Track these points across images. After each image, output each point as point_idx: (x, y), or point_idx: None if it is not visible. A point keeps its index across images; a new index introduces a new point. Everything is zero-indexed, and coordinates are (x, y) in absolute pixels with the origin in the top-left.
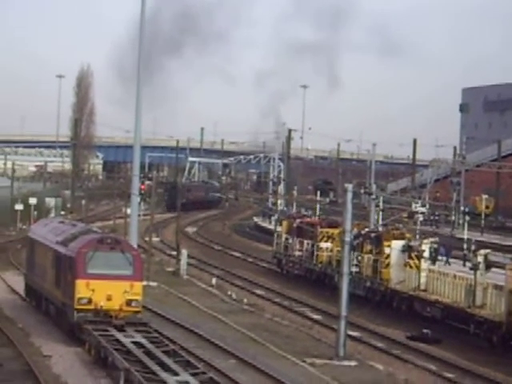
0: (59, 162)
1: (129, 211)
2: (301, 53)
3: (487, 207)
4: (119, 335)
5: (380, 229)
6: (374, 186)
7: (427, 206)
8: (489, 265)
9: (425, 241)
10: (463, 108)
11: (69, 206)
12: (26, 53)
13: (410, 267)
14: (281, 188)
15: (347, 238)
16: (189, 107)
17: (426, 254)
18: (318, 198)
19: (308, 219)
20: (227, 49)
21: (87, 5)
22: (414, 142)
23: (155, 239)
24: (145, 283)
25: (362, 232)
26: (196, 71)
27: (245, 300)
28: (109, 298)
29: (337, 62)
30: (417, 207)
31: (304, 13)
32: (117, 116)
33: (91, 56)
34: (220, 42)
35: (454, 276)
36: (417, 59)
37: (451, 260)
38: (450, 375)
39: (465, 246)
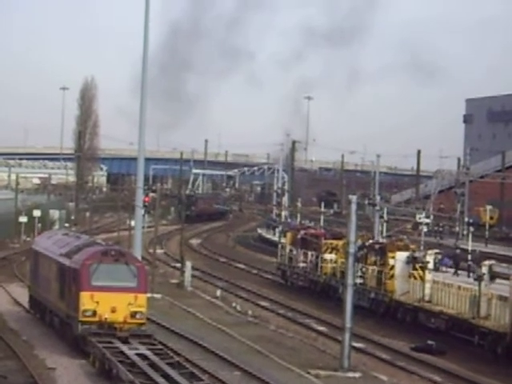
0: (63, 175)
1: (133, 223)
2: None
3: (491, 218)
4: (124, 347)
5: (384, 240)
6: (378, 198)
7: (431, 217)
8: (493, 276)
9: (429, 252)
10: (467, 119)
11: (73, 218)
12: (29, 66)
13: (415, 278)
14: (285, 199)
15: (351, 250)
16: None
17: (431, 266)
18: (322, 209)
19: (312, 231)
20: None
21: (91, 17)
22: (418, 153)
23: (159, 251)
24: (149, 295)
25: (367, 243)
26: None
27: (249, 312)
28: (113, 310)
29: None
30: (421, 218)
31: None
32: (121, 128)
33: (96, 68)
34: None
35: (459, 287)
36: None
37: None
38: None
39: (469, 257)
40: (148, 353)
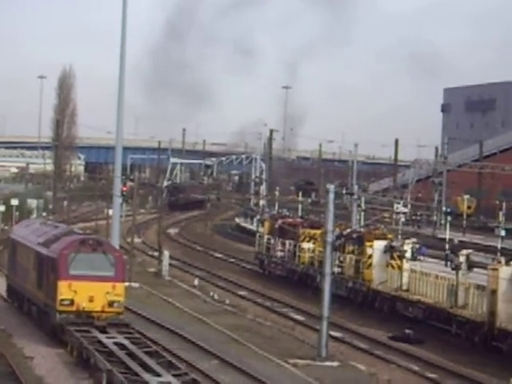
0: (41, 163)
1: (111, 212)
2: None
3: (469, 207)
4: (101, 336)
5: (362, 229)
6: (355, 187)
7: (409, 207)
8: (471, 265)
9: (407, 241)
10: (445, 108)
11: (51, 207)
12: (7, 52)
13: (392, 267)
14: (263, 188)
15: (329, 239)
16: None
17: (408, 255)
18: (300, 198)
19: (290, 220)
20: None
21: (71, 4)
22: (396, 142)
23: (137, 240)
24: (127, 284)
25: (344, 232)
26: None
27: (227, 301)
28: (91, 300)
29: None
30: (399, 207)
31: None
32: (99, 116)
33: (74, 56)
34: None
35: (436, 276)
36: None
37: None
38: (432, 375)
39: (447, 246)
40: (126, 342)
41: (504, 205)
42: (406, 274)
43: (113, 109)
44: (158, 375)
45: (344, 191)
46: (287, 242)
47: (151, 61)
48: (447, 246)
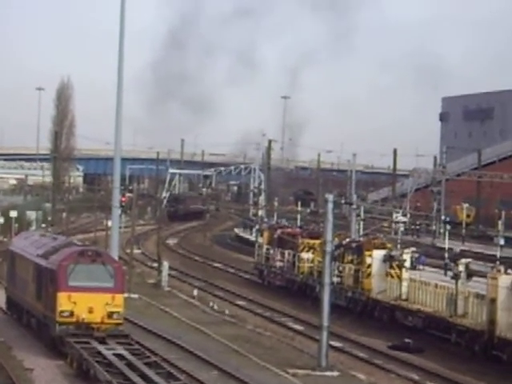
0: (39, 175)
1: (110, 223)
2: None
3: (468, 216)
4: (101, 347)
5: (361, 239)
6: (354, 196)
7: (408, 216)
8: (470, 274)
9: (406, 250)
10: (443, 117)
11: (49, 218)
12: (4, 66)
13: (392, 277)
14: (261, 199)
15: (328, 249)
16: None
17: (408, 264)
18: (299, 208)
19: (289, 230)
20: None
21: (68, 16)
22: (395, 151)
23: (136, 251)
24: (126, 295)
25: (343, 242)
26: None
27: (226, 311)
28: (90, 311)
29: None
30: (398, 217)
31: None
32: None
33: (72, 68)
34: None
35: (436, 285)
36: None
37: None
38: None
39: (446, 254)
40: (125, 353)
41: (503, 213)
42: (405, 284)
43: (111, 120)
44: None
45: (343, 201)
46: (286, 252)
47: (152, 72)
48: (446, 255)
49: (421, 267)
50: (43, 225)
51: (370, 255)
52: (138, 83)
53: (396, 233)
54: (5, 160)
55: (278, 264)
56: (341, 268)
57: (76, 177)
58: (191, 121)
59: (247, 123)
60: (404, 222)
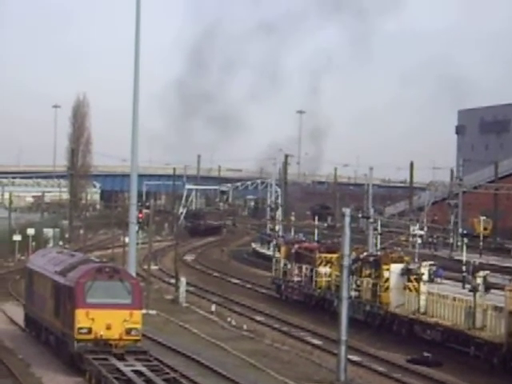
0: (57, 192)
1: (127, 240)
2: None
3: (485, 229)
4: (119, 364)
5: (378, 252)
6: (371, 210)
7: (425, 229)
8: (488, 286)
9: (424, 263)
10: (459, 130)
11: (67, 235)
12: (20, 84)
13: (410, 290)
14: (278, 213)
15: (346, 263)
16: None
17: (425, 277)
18: (316, 222)
19: (306, 244)
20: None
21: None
22: (411, 165)
23: (154, 267)
24: (144, 311)
25: (361, 256)
26: None
27: (244, 326)
28: (108, 327)
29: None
30: (415, 230)
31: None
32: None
33: (87, 85)
34: None
35: (454, 298)
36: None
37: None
38: None
39: (464, 267)
40: (144, 369)
41: None
42: (423, 297)
43: (128, 137)
44: None
45: (360, 215)
46: (304, 266)
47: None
48: (464, 268)
49: (439, 280)
50: (60, 242)
51: (388, 269)
52: (161, 100)
53: (413, 246)
54: (22, 178)
55: (296, 278)
56: (358, 282)
57: (93, 194)
58: (215, 137)
59: (269, 138)
60: (421, 236)
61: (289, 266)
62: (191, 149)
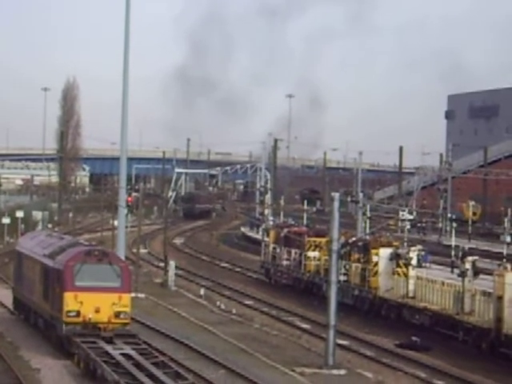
0: (46, 175)
1: (116, 223)
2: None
3: (474, 214)
4: (108, 347)
5: (367, 237)
6: (360, 195)
7: (414, 214)
8: (477, 271)
9: (412, 248)
10: (449, 115)
11: (56, 218)
12: (10, 67)
13: (398, 275)
14: (268, 198)
15: (335, 247)
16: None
17: (414, 262)
18: (305, 207)
19: (295, 228)
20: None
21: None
22: (400, 149)
23: (143, 251)
24: (133, 295)
25: (350, 240)
26: None
27: (233, 310)
28: (97, 311)
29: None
30: (404, 215)
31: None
32: (102, 126)
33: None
34: None
35: (442, 283)
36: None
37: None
38: (439, 382)
39: (453, 252)
40: (133, 353)
41: (509, 211)
42: (412, 282)
43: (118, 119)
44: None
45: (349, 199)
46: (293, 250)
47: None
48: (453, 253)
49: (427, 265)
50: (49, 225)
51: (377, 253)
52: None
53: (402, 231)
54: (11, 160)
55: (285, 263)
56: (347, 266)
57: (82, 177)
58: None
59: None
60: (410, 220)
61: (278, 250)
62: (187, 132)
